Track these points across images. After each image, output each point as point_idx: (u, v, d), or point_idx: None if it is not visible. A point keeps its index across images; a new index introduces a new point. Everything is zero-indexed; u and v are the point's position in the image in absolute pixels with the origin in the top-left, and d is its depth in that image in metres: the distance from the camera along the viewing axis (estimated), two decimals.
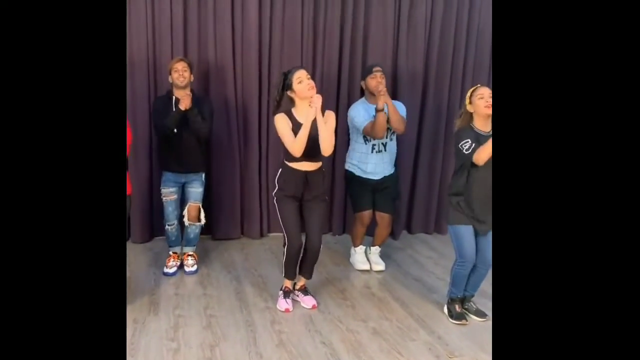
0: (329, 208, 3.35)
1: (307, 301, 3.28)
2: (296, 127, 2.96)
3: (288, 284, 3.28)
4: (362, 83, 3.81)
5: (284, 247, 3.13)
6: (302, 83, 2.94)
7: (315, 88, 2.96)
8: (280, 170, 3.13)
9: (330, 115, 3.05)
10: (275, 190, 3.15)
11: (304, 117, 2.93)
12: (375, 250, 4.00)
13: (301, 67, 3.06)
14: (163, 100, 3.63)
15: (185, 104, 3.42)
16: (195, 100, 3.55)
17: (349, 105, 4.11)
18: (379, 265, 3.95)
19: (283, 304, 3.22)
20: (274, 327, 3.01)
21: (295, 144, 2.91)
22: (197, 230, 3.81)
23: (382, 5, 4.40)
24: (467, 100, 2.97)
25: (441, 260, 4.21)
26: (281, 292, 3.29)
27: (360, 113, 3.73)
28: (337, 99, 4.41)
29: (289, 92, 2.99)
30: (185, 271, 3.75)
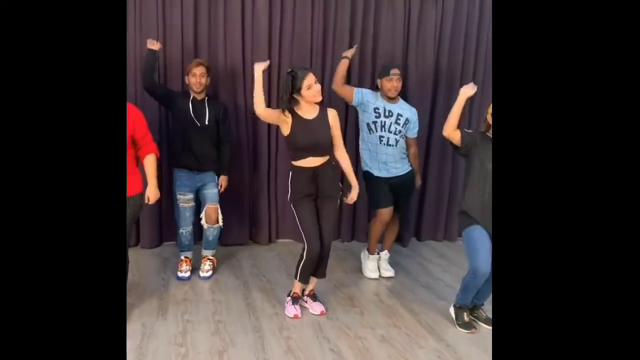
0: (337, 213, 3.33)
1: (316, 307, 3.27)
2: (300, 124, 3.01)
3: (297, 289, 3.28)
4: (378, 81, 3.76)
5: (303, 251, 3.11)
6: (312, 89, 2.97)
7: (321, 92, 3.02)
8: (290, 172, 3.13)
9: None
10: (289, 194, 3.14)
11: (308, 115, 3.03)
12: (384, 256, 3.99)
13: (308, 69, 3.07)
14: (180, 94, 3.76)
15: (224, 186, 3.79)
16: (213, 107, 3.67)
17: (357, 111, 4.11)
18: (388, 271, 3.94)
19: (292, 310, 3.22)
20: (282, 333, 3.01)
21: (256, 98, 2.97)
22: (216, 233, 3.81)
23: (391, 12, 4.41)
24: (490, 110, 2.96)
25: (450, 267, 4.19)
26: (289, 298, 3.29)
27: (366, 92, 3.76)
28: (347, 105, 4.41)
29: (295, 95, 3.01)
30: (199, 275, 3.75)
